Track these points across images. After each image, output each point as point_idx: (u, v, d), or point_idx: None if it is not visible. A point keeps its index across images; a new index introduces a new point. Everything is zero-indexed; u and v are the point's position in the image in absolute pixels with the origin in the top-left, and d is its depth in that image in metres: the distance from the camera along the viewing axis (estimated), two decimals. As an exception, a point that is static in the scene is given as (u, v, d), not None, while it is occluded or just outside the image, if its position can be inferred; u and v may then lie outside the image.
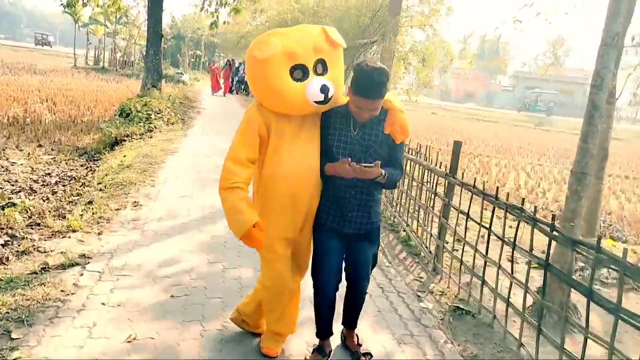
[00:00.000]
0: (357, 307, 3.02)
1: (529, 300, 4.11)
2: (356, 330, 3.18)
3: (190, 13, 43.82)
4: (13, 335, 2.89)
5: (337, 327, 3.13)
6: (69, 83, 22.43)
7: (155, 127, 11.18)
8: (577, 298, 4.41)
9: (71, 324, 3.09)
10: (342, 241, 2.83)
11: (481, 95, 61.49)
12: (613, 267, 2.71)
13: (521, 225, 3.64)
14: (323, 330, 2.97)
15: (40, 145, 10.25)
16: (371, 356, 3.09)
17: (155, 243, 4.60)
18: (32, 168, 8.31)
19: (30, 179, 7.71)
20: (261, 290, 2.99)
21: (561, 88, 63.11)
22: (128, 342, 2.97)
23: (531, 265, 3.51)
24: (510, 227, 4.34)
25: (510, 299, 3.67)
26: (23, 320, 3.06)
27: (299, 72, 2.59)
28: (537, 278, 4.64)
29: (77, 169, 8.63)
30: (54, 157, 9.29)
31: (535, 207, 3.52)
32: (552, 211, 8.82)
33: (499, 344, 3.62)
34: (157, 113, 12.14)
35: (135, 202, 5.72)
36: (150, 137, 10.31)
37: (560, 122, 38.72)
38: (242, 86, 27.29)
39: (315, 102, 2.59)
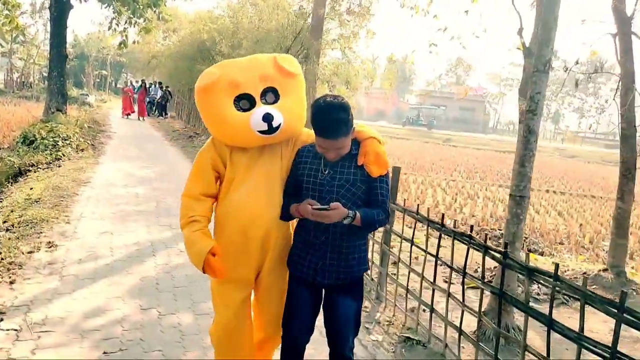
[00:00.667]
0: None
1: (472, 324, 4.13)
2: None
3: (94, 31, 41.91)
4: None
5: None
6: (-42, 107, 20.55)
7: (64, 155, 10.38)
8: (519, 319, 4.50)
9: (-13, 400, 2.64)
10: (315, 292, 2.54)
11: (391, 114, 63.66)
12: (573, 295, 2.72)
13: (447, 243, 3.63)
14: None
15: None
16: None
17: (78, 290, 4.13)
18: None
19: None
20: (212, 337, 2.76)
21: (462, 105, 66.95)
22: (59, 416, 2.57)
23: (465, 286, 3.52)
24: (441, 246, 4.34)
25: (461, 327, 3.64)
26: None
27: (245, 102, 2.49)
28: (473, 298, 4.68)
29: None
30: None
31: (487, 234, 3.53)
32: (472, 225, 9.11)
33: (454, 375, 3.56)
34: (65, 139, 11.31)
35: (50, 242, 5.17)
36: (59, 166, 9.53)
37: (464, 138, 40.83)
38: (154, 108, 26.33)
39: (259, 131, 2.43)
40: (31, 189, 7.65)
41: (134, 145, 14.40)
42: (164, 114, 27.67)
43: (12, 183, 8.80)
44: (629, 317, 2.36)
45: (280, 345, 2.69)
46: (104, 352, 3.23)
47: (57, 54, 15.54)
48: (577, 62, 5.89)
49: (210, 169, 2.56)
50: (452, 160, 22.98)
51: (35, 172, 9.18)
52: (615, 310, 2.41)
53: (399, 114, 65.00)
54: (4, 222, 5.87)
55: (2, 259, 4.52)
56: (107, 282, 4.37)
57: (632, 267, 7.40)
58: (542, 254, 8.49)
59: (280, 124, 2.45)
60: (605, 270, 6.18)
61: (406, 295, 4.40)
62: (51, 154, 10.20)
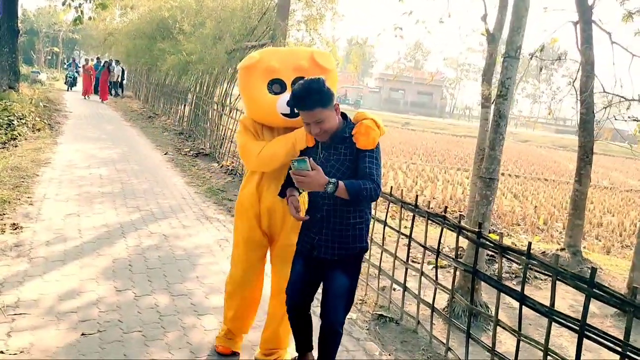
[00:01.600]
0: (326, 346, 2.71)
1: (440, 302, 4.30)
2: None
3: (45, 6, 40.08)
4: None
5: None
6: None
7: (20, 135, 9.96)
8: (486, 296, 4.70)
9: (-34, 384, 2.58)
10: (312, 265, 2.67)
11: (352, 97, 63.84)
12: (544, 271, 2.87)
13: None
14: (297, 343, 2.92)
15: None
16: None
17: (49, 272, 4.05)
18: None
19: None
20: (226, 285, 3.18)
21: (420, 90, 67.87)
22: (43, 397, 2.55)
23: (438, 266, 3.66)
24: (405, 226, 4.47)
25: (434, 304, 3.78)
26: None
27: (277, 86, 2.86)
28: (440, 277, 4.84)
29: None
30: None
31: (461, 215, 3.65)
32: (435, 208, 9.34)
33: (426, 350, 3.70)
34: (20, 118, 10.85)
35: (14, 224, 5.01)
36: (15, 147, 9.16)
37: (422, 122, 41.46)
38: (111, 87, 25.48)
39: (283, 114, 2.78)
40: (-13, 169, 7.36)
41: (92, 126, 13.97)
42: (121, 92, 26.90)
43: (-35, 163, 8.44)
44: (597, 291, 2.52)
45: None
46: (82, 334, 3.19)
47: (8, 29, 14.84)
48: (542, 49, 6.09)
49: (253, 135, 2.91)
50: (411, 144, 23.34)
51: (-11, 152, 8.81)
52: (586, 286, 2.57)
53: (359, 97, 65.27)
54: (-37, 203, 5.65)
55: (-35, 241, 4.37)
56: (78, 264, 4.29)
57: (584, 247, 7.78)
58: (500, 234, 8.82)
59: None
60: (562, 249, 6.48)
61: (378, 275, 4.51)
62: (6, 134, 9.78)
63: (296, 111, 2.60)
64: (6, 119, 10.50)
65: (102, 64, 24.27)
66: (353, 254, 2.65)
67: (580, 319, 2.59)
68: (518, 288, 3.04)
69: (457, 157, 20.02)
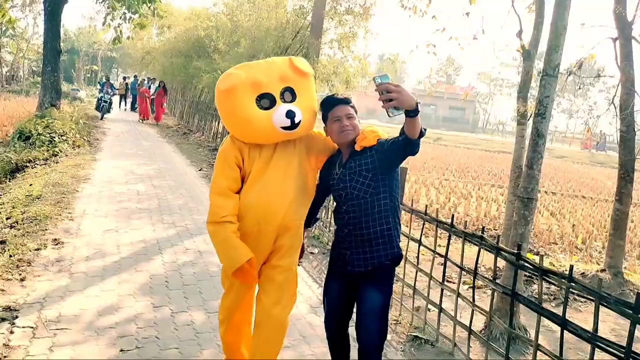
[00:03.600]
0: None
1: (477, 323, 4.21)
2: None
3: (85, 26, 41.50)
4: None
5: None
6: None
7: (61, 151, 10.31)
8: (524, 318, 4.58)
9: (11, 398, 2.66)
10: (346, 284, 2.73)
11: (382, 112, 63.72)
12: (586, 296, 2.79)
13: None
14: None
15: None
16: None
17: (89, 287, 4.14)
18: None
19: None
20: (219, 312, 3.04)
21: (452, 105, 67.31)
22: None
23: (467, 286, 3.59)
24: (440, 244, 4.40)
25: (471, 326, 3.71)
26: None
27: (266, 100, 2.64)
28: (476, 298, 4.75)
29: (-29, 201, 7.70)
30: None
31: (499, 236, 3.59)
32: (476, 226, 9.19)
33: (463, 373, 3.63)
34: (62, 135, 11.23)
35: (56, 239, 5.16)
36: (56, 163, 9.47)
37: (454, 138, 41.05)
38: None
39: (282, 127, 2.60)
40: (30, 185, 7.61)
41: (129, 142, 14.32)
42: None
43: (9, 179, 8.76)
44: (644, 318, 2.43)
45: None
46: (121, 350, 3.25)
47: (51, 49, 15.44)
48: (580, 66, 5.99)
49: (234, 165, 2.67)
50: (443, 159, 23.09)
51: (32, 168, 9.13)
52: (630, 312, 2.48)
53: (390, 112, 65.08)
54: (7, 218, 5.85)
55: (10, 256, 4.52)
56: (116, 279, 4.39)
57: (625, 268, 7.53)
58: (537, 254, 8.60)
59: (300, 120, 2.63)
60: (603, 270, 6.29)
61: (413, 295, 4.46)
62: (48, 150, 10.13)
63: (296, 121, 2.60)
64: (48, 136, 10.87)
65: (157, 85, 21.82)
66: (386, 265, 2.65)
67: (625, 345, 2.51)
68: (557, 310, 2.96)
69: (490, 173, 19.70)
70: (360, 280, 2.66)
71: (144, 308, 3.91)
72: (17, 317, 3.50)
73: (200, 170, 10.86)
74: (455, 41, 8.84)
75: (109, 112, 20.73)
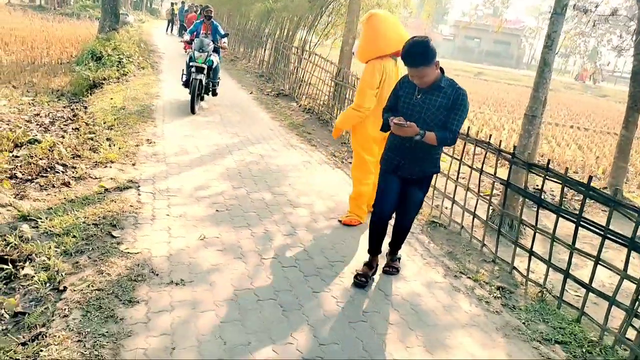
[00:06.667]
0: (400, 239, 3.74)
1: (484, 214, 5.28)
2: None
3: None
4: (114, 234, 3.72)
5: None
6: (9, 22, 21.69)
7: (130, 72, 11.51)
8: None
9: (151, 228, 3.95)
10: (398, 180, 3.47)
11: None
12: (604, 202, 3.76)
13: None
14: (372, 247, 3.67)
15: (14, 87, 10.47)
16: (397, 270, 3.84)
17: (183, 173, 5.41)
18: (19, 109, 8.67)
19: (22, 119, 8.12)
20: (350, 199, 4.76)
21: (497, 38, 65.47)
22: (201, 239, 3.88)
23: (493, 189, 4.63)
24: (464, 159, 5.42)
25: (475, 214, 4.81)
26: (114, 225, 3.88)
27: None
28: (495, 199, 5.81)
29: (62, 110, 9.03)
30: (33, 99, 9.61)
31: (500, 141, 4.61)
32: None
33: (466, 245, 4.77)
34: (129, 57, 12.40)
35: (149, 139, 6.43)
36: (127, 82, 10.70)
37: (496, 73, 40.68)
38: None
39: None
40: (111, 99, 8.88)
41: (184, 63, 15.41)
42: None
43: (90, 94, 10.05)
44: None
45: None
46: (217, 210, 4.53)
47: (110, -26, 16.34)
48: (597, 6, 6.67)
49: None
50: (482, 94, 23.45)
51: (108, 84, 10.38)
52: (636, 214, 3.23)
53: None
54: (104, 122, 7.14)
55: (119, 148, 5.80)
56: (201, 169, 5.64)
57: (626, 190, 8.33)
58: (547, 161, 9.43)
59: (353, 53, 3.93)
60: (604, 188, 7.23)
61: (433, 194, 5.56)
62: (118, 70, 11.34)
63: (353, 52, 3.56)
64: (117, 57, 12.06)
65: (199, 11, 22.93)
66: (429, 175, 3.54)
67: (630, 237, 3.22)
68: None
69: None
70: (407, 181, 3.47)
71: (226, 187, 5.16)
72: (139, 186, 4.80)
73: (250, 93, 11.91)
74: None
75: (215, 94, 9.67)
